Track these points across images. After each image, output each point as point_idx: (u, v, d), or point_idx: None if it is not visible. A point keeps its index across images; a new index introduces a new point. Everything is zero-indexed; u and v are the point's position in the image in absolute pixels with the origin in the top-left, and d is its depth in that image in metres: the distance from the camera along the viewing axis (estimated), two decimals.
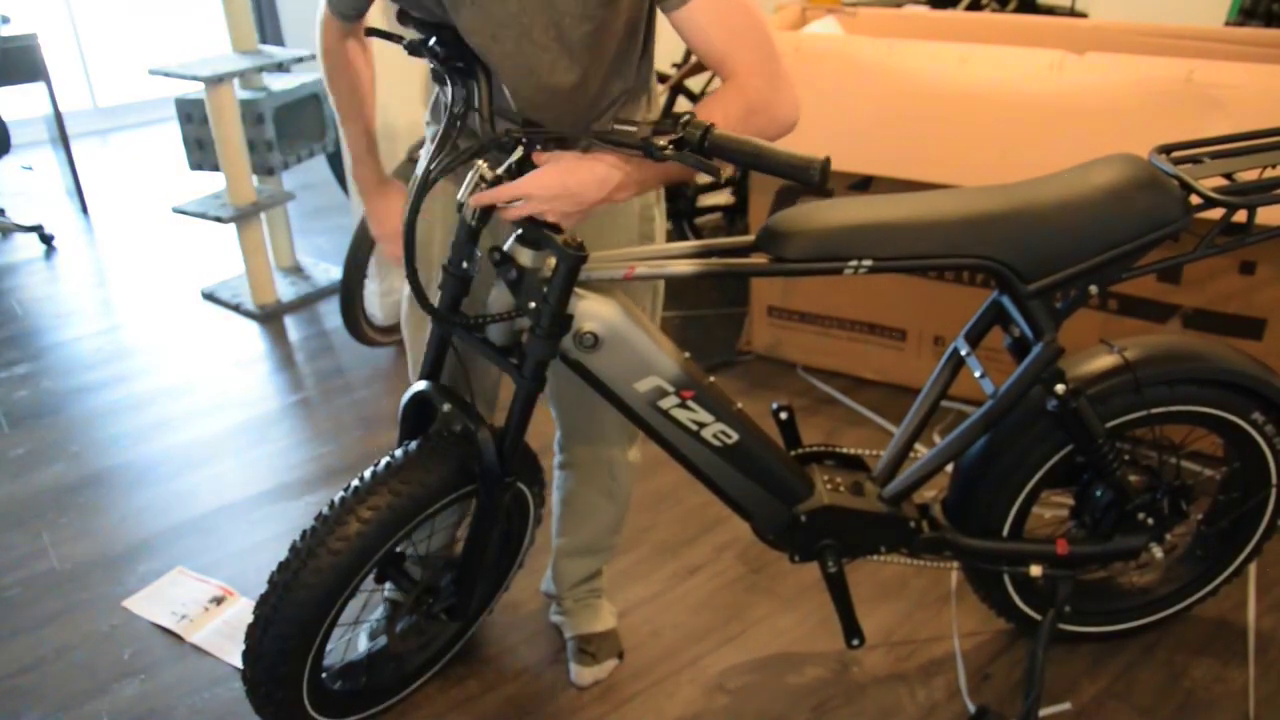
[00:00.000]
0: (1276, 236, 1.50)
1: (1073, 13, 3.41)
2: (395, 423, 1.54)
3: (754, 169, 1.13)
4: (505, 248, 1.29)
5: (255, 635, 1.40)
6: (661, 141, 1.11)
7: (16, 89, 3.88)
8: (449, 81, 1.25)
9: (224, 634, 1.92)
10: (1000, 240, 1.36)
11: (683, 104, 3.21)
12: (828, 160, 1.10)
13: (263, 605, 1.39)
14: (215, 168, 3.17)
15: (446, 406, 1.42)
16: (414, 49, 1.25)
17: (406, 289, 1.58)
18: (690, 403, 1.39)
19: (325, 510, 1.39)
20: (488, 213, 1.29)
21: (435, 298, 1.40)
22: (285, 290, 3.35)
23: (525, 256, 1.27)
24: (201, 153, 3.24)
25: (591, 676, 1.79)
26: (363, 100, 1.49)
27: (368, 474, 1.40)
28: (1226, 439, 1.68)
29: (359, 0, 1.40)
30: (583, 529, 1.77)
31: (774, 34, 1.25)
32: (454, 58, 1.24)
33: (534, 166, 1.21)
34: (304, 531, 1.39)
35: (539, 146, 1.21)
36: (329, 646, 1.48)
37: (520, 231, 1.28)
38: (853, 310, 2.65)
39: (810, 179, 1.11)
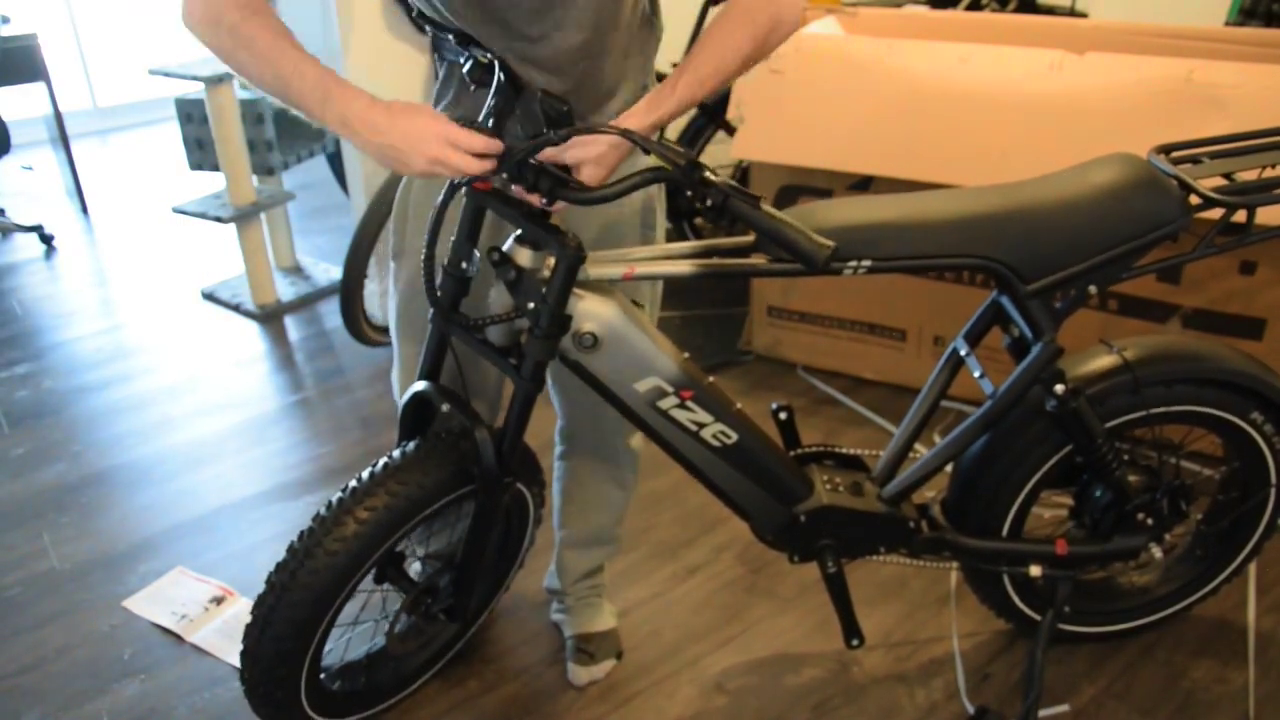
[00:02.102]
0: (1276, 236, 1.49)
1: (1073, 13, 3.41)
2: (395, 423, 1.53)
3: (766, 238, 1.16)
4: (504, 248, 1.29)
5: (253, 636, 1.40)
6: (708, 174, 1.15)
7: (16, 89, 3.89)
8: (494, 72, 1.25)
9: (224, 634, 1.92)
10: (999, 241, 1.36)
11: None
12: (836, 248, 1.14)
13: (260, 607, 1.39)
14: (215, 168, 3.17)
15: (445, 407, 1.42)
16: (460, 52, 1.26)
17: (397, 286, 1.57)
18: (689, 403, 1.39)
19: (322, 511, 1.39)
20: (481, 213, 1.31)
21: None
22: (285, 290, 3.35)
23: (524, 257, 1.28)
24: (201, 153, 3.24)
25: (588, 676, 1.79)
26: (295, 43, 1.20)
27: (365, 475, 1.40)
28: (1225, 439, 1.68)
29: None
30: (590, 519, 1.77)
31: None
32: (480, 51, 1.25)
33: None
34: (301, 533, 1.39)
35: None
36: (327, 647, 1.48)
37: (519, 232, 1.28)
38: (853, 310, 2.65)
39: (815, 264, 1.17)
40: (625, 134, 1.16)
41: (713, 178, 1.15)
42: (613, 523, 1.79)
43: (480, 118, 1.23)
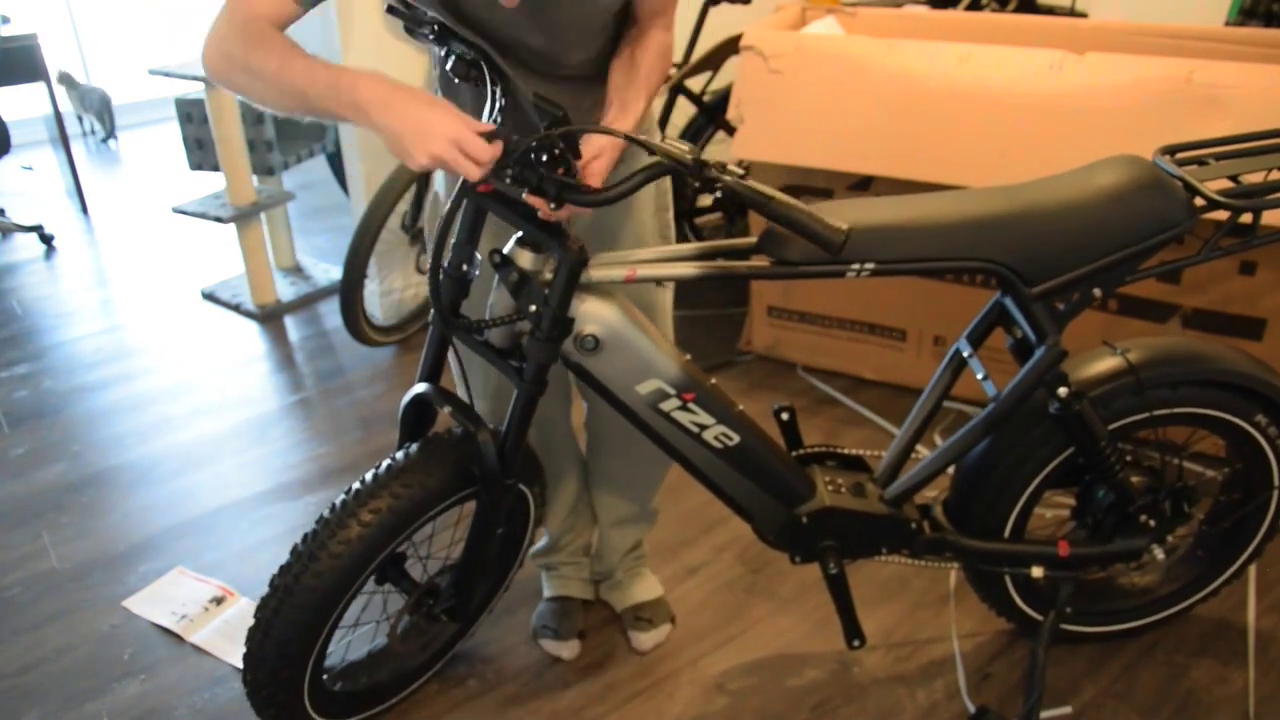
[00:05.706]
0: None
1: (1073, 13, 3.41)
2: (395, 423, 1.53)
3: (779, 224, 1.16)
4: (506, 250, 1.29)
5: (256, 639, 1.40)
6: (714, 173, 1.15)
7: (16, 89, 3.88)
8: (488, 80, 1.24)
9: (224, 634, 1.92)
10: (1003, 243, 1.36)
11: (683, 105, 3.20)
12: (850, 232, 1.14)
13: (263, 609, 1.39)
14: (215, 168, 3.16)
15: (446, 408, 1.41)
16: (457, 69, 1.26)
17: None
18: (691, 405, 1.39)
19: (326, 513, 1.39)
20: (482, 214, 1.31)
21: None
22: (285, 290, 3.35)
23: (526, 259, 1.27)
24: (201, 153, 3.24)
25: (651, 641, 1.85)
26: (303, 55, 1.20)
27: (369, 476, 1.40)
28: (1229, 441, 1.68)
29: None
30: (628, 499, 1.82)
31: None
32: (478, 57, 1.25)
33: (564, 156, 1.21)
34: (305, 535, 1.39)
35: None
36: (329, 648, 1.48)
37: (521, 234, 1.28)
38: (853, 310, 2.65)
39: (832, 248, 1.15)
40: (628, 137, 1.17)
41: (719, 173, 1.15)
42: (650, 497, 1.84)
43: (485, 117, 1.22)
